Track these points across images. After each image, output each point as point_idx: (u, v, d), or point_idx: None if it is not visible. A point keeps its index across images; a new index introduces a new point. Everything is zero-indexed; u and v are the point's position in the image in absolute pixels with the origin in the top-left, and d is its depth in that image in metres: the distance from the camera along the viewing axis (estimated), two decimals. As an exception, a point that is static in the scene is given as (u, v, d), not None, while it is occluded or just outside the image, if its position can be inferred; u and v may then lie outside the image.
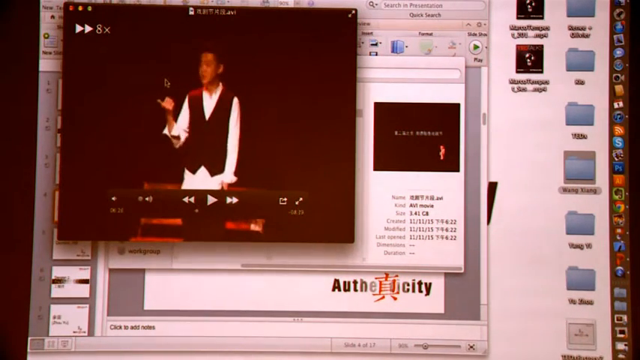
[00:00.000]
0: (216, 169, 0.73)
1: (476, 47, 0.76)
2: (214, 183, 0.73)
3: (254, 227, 0.73)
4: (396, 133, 0.75)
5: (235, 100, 0.74)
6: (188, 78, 0.73)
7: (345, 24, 0.74)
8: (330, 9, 0.75)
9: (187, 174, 0.73)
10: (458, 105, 0.75)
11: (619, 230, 0.74)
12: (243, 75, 0.74)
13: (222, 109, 0.74)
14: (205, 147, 0.73)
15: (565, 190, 0.75)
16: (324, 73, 0.74)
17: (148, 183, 0.73)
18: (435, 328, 0.74)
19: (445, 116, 0.75)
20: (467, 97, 0.75)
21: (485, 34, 0.76)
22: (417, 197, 0.75)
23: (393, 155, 0.75)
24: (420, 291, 0.74)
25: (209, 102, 0.74)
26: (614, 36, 0.75)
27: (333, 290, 0.74)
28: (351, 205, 0.73)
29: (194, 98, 0.74)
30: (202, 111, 0.74)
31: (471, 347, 0.74)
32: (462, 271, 0.74)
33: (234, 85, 0.74)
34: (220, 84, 0.74)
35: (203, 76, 0.73)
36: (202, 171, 0.73)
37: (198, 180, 0.73)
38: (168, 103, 0.73)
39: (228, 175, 0.73)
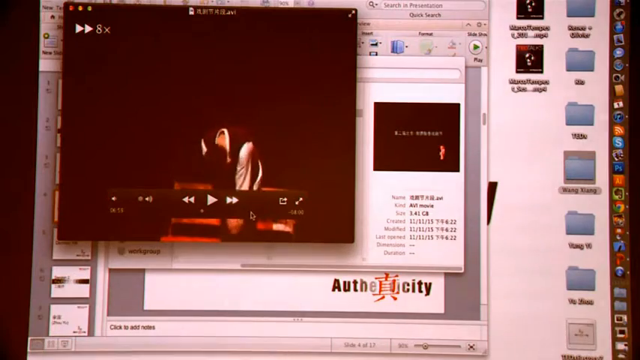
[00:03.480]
0: None
1: (476, 47, 0.76)
2: None
3: (253, 226, 0.73)
4: (396, 133, 0.75)
5: None
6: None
7: (345, 24, 0.74)
8: (330, 9, 0.75)
9: None
10: (458, 105, 0.75)
11: (619, 230, 0.74)
12: (242, 75, 0.73)
13: None
14: None
15: (565, 190, 0.75)
16: (324, 73, 0.74)
17: (146, 183, 0.73)
18: (435, 328, 0.74)
19: (445, 116, 0.75)
20: (467, 97, 0.75)
21: (485, 34, 0.76)
22: (417, 197, 0.75)
23: (393, 155, 0.75)
24: (420, 291, 0.74)
25: None
26: (614, 36, 0.75)
27: (333, 290, 0.74)
28: (351, 205, 0.73)
29: None
30: None
31: (471, 347, 0.74)
32: (462, 271, 0.74)
33: (230, 86, 0.74)
34: None
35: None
36: None
37: None
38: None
39: None
